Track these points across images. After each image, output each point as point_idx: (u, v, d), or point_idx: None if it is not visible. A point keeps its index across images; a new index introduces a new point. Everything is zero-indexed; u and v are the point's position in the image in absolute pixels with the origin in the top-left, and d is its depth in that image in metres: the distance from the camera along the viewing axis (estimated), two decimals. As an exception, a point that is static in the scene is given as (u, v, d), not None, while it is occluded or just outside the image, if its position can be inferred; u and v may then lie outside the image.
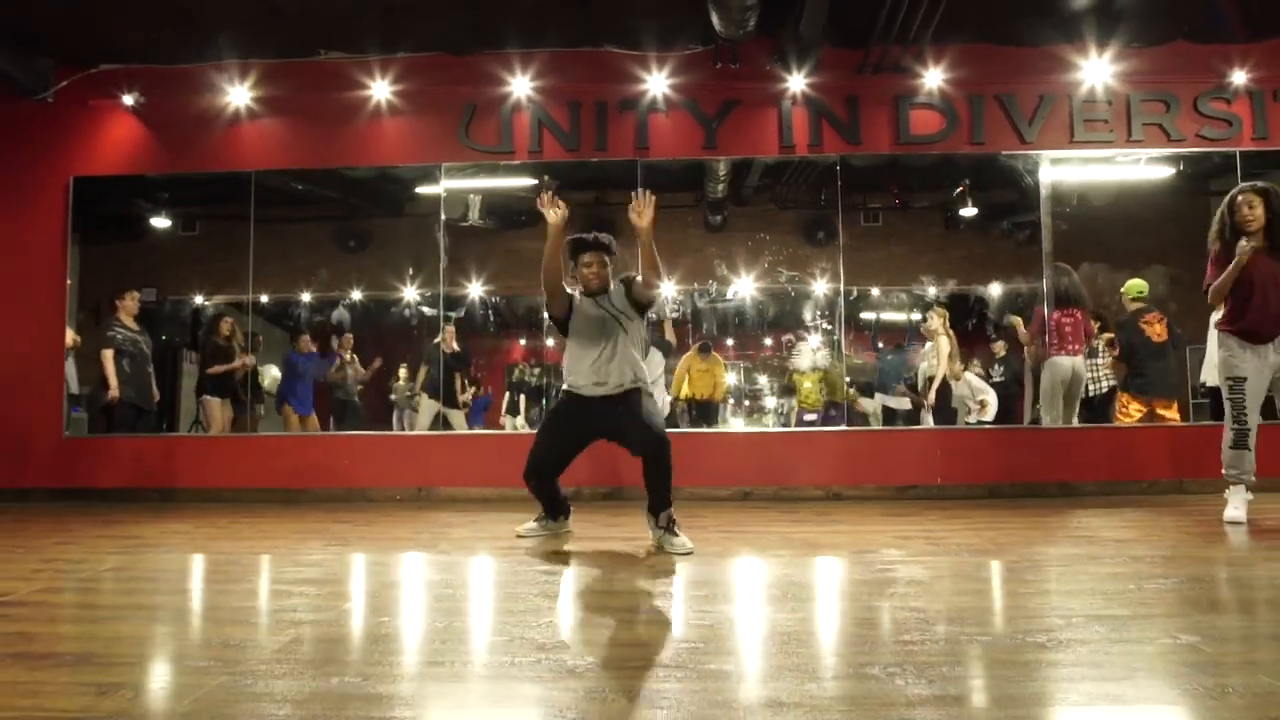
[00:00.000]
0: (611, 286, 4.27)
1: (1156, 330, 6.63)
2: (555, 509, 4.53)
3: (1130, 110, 6.29)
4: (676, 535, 4.09)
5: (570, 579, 3.32)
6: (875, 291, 9.63)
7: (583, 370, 4.21)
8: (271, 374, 9.98)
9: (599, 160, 6.51)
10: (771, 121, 6.42)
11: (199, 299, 9.20)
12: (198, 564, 3.81)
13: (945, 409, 8.46)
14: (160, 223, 8.83)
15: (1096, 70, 6.26)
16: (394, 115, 6.58)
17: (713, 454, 6.29)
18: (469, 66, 6.49)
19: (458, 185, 6.80)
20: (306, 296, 10.54)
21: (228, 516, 5.61)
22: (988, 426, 6.97)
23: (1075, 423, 6.59)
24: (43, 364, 6.61)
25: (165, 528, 5.00)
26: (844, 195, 6.49)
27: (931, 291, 9.15)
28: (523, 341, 12.92)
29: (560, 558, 3.83)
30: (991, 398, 8.27)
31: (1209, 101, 6.28)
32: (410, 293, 9.94)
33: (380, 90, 6.53)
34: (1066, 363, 6.59)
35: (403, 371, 10.86)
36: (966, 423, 8.20)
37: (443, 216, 6.74)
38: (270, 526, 5.12)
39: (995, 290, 8.58)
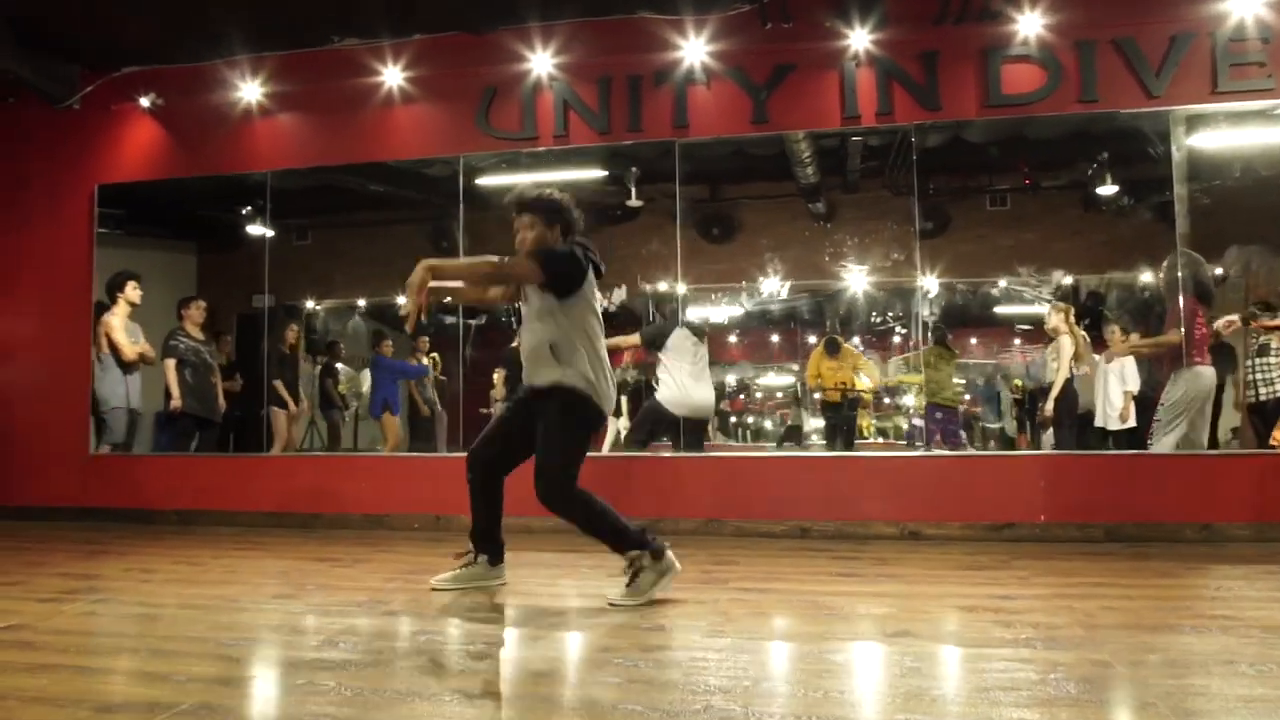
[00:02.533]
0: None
1: None
2: (489, 537, 3.84)
3: (1292, 49, 4.95)
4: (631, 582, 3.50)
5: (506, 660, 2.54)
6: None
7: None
8: (358, 377, 9.68)
9: (632, 143, 5.70)
10: (832, 88, 5.42)
11: (310, 303, 9.08)
12: (106, 622, 3.24)
13: (1065, 422, 7.23)
14: (264, 231, 8.75)
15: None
16: (408, 104, 5.98)
17: (763, 481, 5.38)
18: (487, 46, 5.80)
19: (485, 182, 6.14)
20: (402, 299, 10.29)
21: (229, 546, 5.17)
22: (1107, 453, 5.75)
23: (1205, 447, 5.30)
24: (68, 377, 6.40)
25: (138, 563, 4.55)
26: (952, 176, 5.45)
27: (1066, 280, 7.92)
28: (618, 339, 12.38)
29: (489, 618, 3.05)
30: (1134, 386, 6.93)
31: None
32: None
33: (391, 77, 5.95)
34: (1211, 373, 5.32)
35: (497, 376, 10.44)
36: (1097, 427, 6.96)
37: (462, 212, 6.08)
38: (256, 561, 4.63)
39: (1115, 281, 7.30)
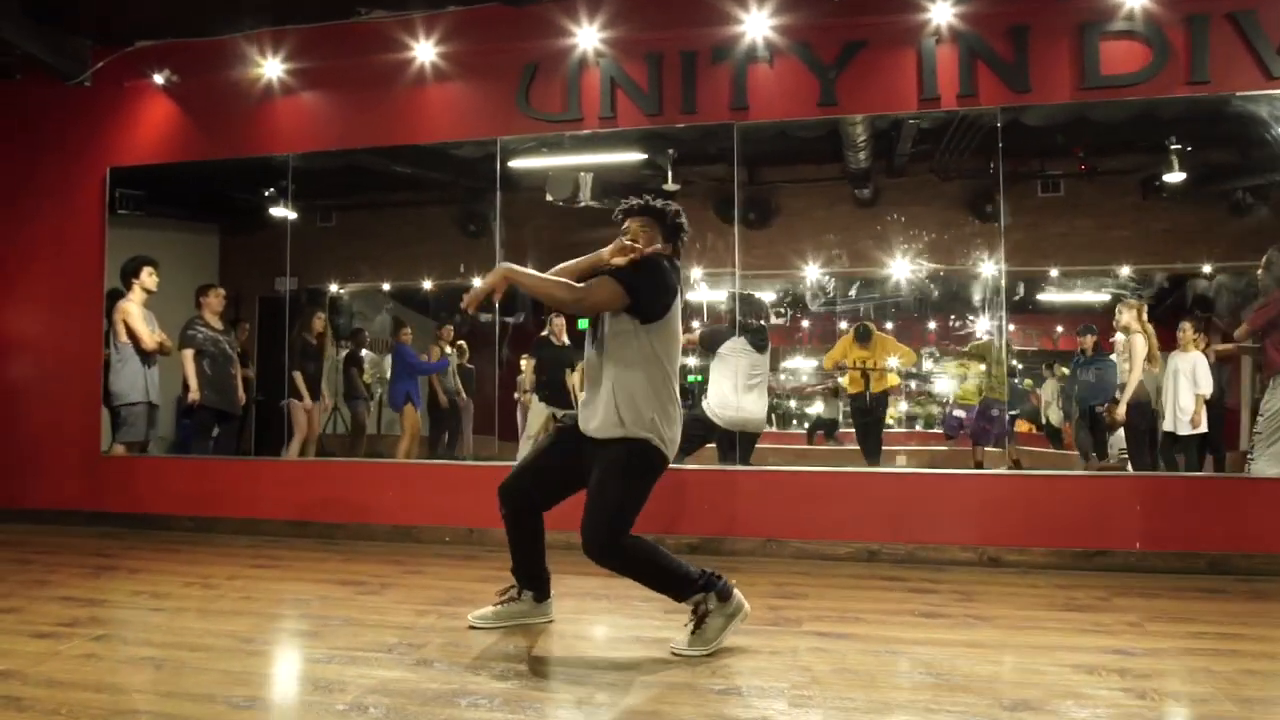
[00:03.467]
0: None
1: None
2: (532, 574, 3.43)
3: None
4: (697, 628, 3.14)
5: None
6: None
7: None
8: (382, 362, 9.34)
9: (685, 125, 5.21)
10: (909, 67, 4.90)
11: (334, 287, 8.70)
12: (105, 669, 2.83)
13: (1139, 427, 6.72)
14: (286, 213, 8.40)
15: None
16: (441, 82, 5.51)
17: (829, 498, 4.91)
18: (527, 20, 5.32)
19: (522, 165, 5.67)
20: (428, 284, 9.93)
21: (246, 560, 4.79)
22: (1211, 475, 5.25)
23: None
24: (78, 372, 6.02)
25: (149, 583, 4.15)
26: (1010, 159, 4.96)
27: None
28: None
29: (531, 671, 2.62)
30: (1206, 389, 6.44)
31: None
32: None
33: (424, 53, 5.48)
34: None
35: (524, 362, 10.05)
36: (1167, 432, 6.47)
37: (500, 199, 5.63)
38: (274, 584, 4.22)
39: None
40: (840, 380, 8.09)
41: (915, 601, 3.92)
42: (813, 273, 7.58)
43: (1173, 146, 7.38)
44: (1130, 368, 6.72)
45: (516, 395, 9.87)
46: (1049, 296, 9.38)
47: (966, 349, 8.19)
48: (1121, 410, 6.65)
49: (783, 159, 7.38)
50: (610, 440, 3.08)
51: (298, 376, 6.89)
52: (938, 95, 4.85)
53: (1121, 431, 6.84)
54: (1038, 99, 4.75)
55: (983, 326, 9.02)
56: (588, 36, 5.20)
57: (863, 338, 7.35)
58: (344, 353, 8.53)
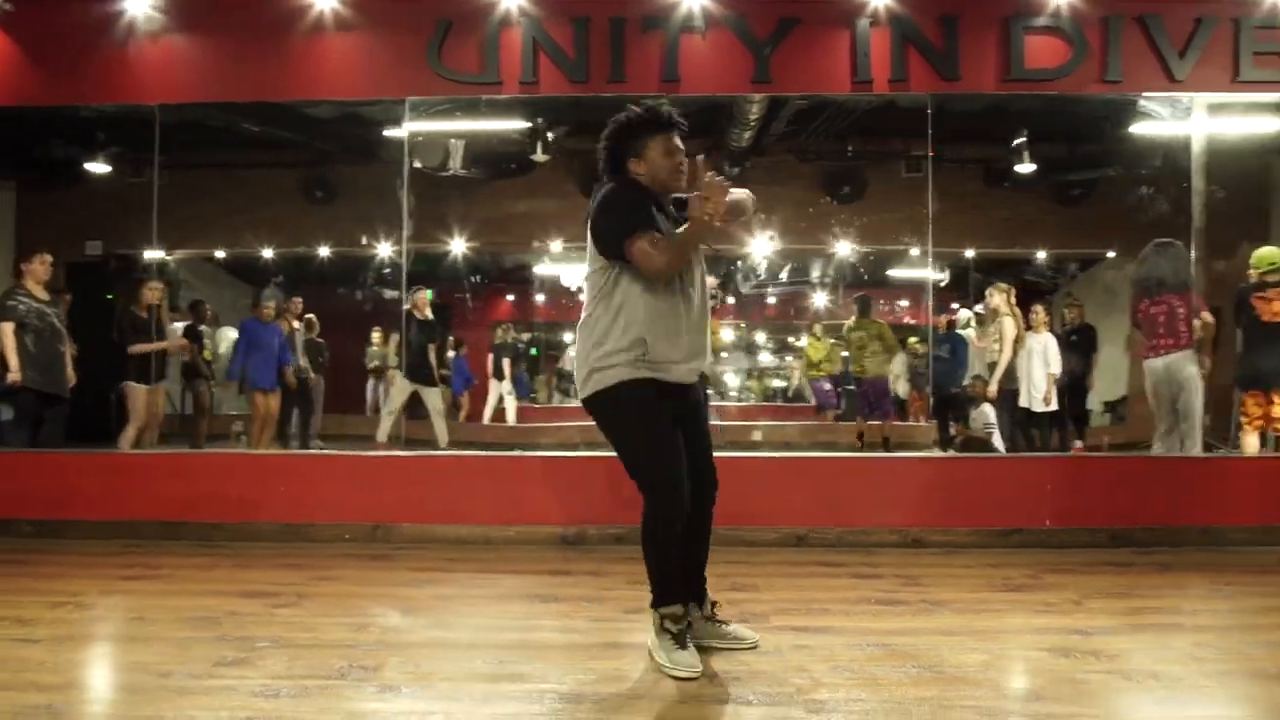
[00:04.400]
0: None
1: (1275, 308, 5.12)
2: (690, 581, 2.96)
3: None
4: (728, 624, 3.02)
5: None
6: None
7: (669, 335, 2.72)
8: (228, 337, 8.61)
9: (614, 95, 4.94)
10: (843, 48, 4.85)
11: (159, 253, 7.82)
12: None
13: (1008, 400, 7.13)
14: (100, 168, 7.29)
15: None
16: (343, 32, 4.95)
17: (757, 481, 4.83)
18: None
19: (429, 127, 5.22)
20: (269, 252, 9.13)
21: (114, 571, 4.15)
22: (1111, 455, 5.58)
23: (1197, 437, 5.21)
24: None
25: (6, 609, 3.45)
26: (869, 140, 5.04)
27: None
28: (510, 298, 11.62)
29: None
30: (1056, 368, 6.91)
31: None
32: (384, 249, 8.52)
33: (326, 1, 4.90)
34: (1158, 364, 5.21)
35: (376, 335, 9.45)
36: (1022, 408, 6.93)
37: (407, 164, 5.17)
38: (163, 599, 3.63)
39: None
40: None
41: (865, 589, 3.91)
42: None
43: (1017, 141, 7.87)
44: (1000, 348, 7.08)
45: (370, 365, 9.35)
46: (901, 272, 9.87)
47: (847, 325, 8.39)
48: (993, 388, 7.01)
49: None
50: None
51: (140, 349, 6.17)
52: (870, 78, 4.83)
53: (986, 406, 7.25)
54: (966, 87, 4.83)
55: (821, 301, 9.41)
56: (510, -8, 4.82)
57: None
58: (182, 327, 7.71)
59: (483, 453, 6.22)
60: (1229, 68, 4.79)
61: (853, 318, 8.31)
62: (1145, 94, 4.86)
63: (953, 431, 7.63)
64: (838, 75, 4.86)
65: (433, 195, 7.26)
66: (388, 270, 8.63)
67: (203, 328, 8.19)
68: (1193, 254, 5.09)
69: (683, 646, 2.74)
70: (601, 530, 4.76)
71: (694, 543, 2.91)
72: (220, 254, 9.55)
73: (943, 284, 8.87)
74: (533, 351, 11.09)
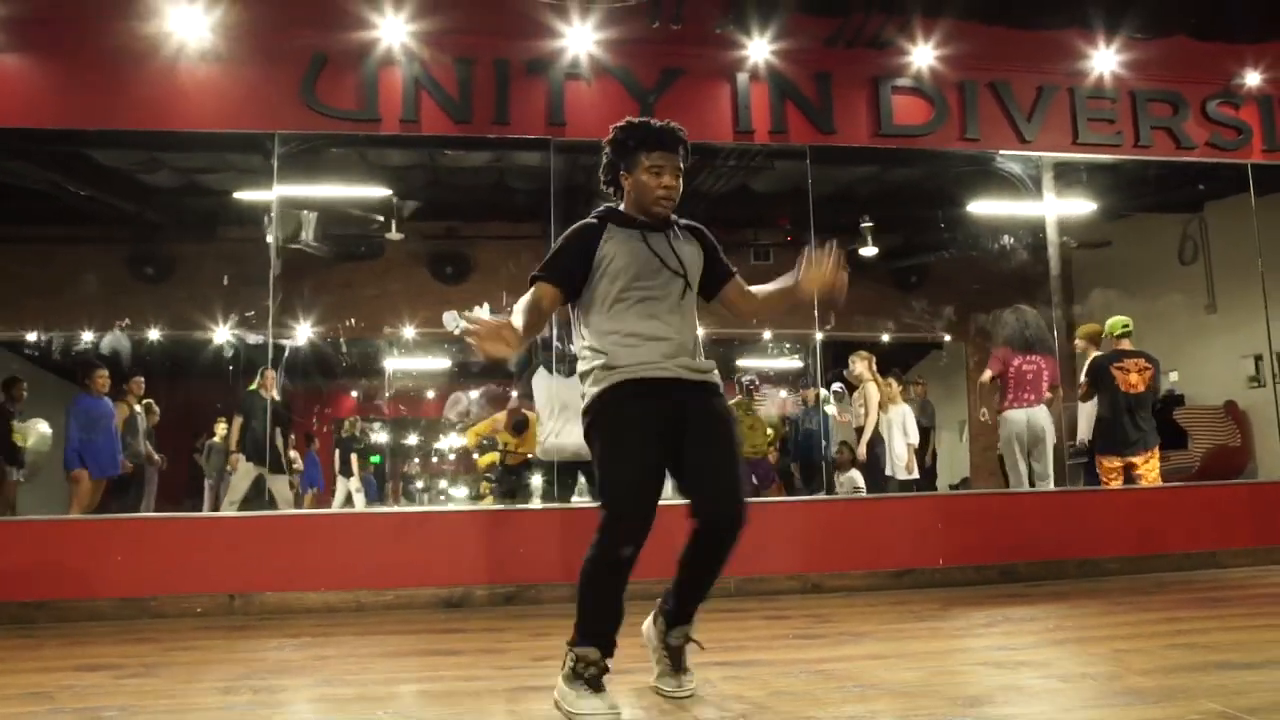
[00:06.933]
0: (679, 223, 2.62)
1: (1131, 380, 5.50)
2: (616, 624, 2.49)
3: (1137, 111, 5.31)
4: (685, 670, 2.65)
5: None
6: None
7: (638, 335, 2.45)
8: (39, 430, 7.61)
9: (498, 137, 4.85)
10: (724, 99, 4.98)
11: None
12: None
13: (874, 465, 7.31)
14: None
15: (1103, 60, 5.24)
16: (209, 64, 4.65)
17: (657, 535, 4.63)
18: (318, 3, 4.68)
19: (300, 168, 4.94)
20: (89, 335, 8.31)
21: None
22: (999, 492, 5.73)
23: (1051, 485, 5.44)
24: None
25: None
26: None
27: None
28: (354, 394, 10.91)
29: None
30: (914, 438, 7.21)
31: (1216, 105, 5.41)
32: (223, 331, 7.93)
33: (190, 27, 4.59)
34: (1021, 416, 5.46)
35: (220, 428, 8.60)
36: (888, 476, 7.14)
37: (274, 214, 4.84)
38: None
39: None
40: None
41: (779, 627, 3.78)
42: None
43: (864, 224, 8.37)
44: (866, 412, 7.29)
45: (202, 460, 8.44)
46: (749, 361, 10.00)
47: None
48: (862, 450, 7.18)
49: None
50: (714, 385, 2.62)
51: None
52: (752, 129, 4.97)
53: (854, 471, 7.39)
54: (841, 140, 5.04)
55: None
56: (391, 30, 4.68)
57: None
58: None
59: (354, 509, 5.74)
60: (1069, 130, 5.24)
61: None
62: (1001, 151, 5.23)
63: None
64: (721, 125, 4.98)
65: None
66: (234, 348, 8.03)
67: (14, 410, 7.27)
68: (1052, 298, 5.42)
69: (596, 691, 2.36)
70: (490, 590, 4.41)
71: (699, 574, 2.62)
72: (31, 338, 8.58)
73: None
74: (373, 459, 9.56)
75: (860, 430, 7.29)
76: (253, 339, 7.38)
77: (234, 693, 2.80)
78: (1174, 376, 7.44)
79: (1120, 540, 4.94)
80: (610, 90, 4.91)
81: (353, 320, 8.49)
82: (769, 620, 3.92)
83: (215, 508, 7.61)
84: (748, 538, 4.48)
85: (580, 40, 4.81)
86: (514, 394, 6.95)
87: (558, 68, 4.83)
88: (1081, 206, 6.31)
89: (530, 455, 6.35)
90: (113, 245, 8.12)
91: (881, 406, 7.29)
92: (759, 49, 4.94)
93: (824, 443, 8.12)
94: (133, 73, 4.56)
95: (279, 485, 6.44)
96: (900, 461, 7.21)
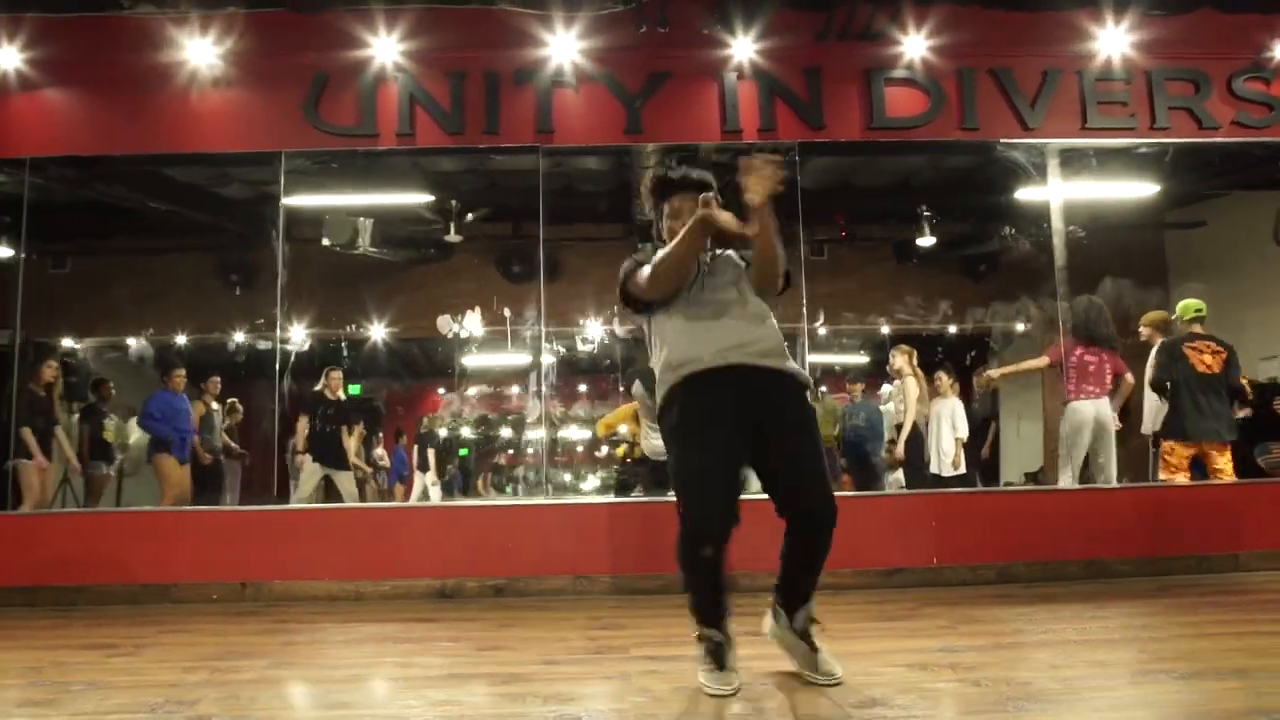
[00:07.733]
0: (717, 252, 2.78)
1: (1206, 360, 5.20)
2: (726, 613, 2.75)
3: (1153, 91, 5.06)
4: (819, 649, 2.74)
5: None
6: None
7: (701, 339, 2.61)
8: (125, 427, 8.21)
9: (488, 146, 5.03)
10: (711, 100, 5.02)
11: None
12: None
13: (917, 462, 7.15)
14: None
15: (1112, 41, 5.02)
16: (219, 88, 4.99)
17: (637, 529, 4.75)
18: (318, 27, 4.96)
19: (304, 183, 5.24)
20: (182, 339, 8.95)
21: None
22: (997, 490, 5.60)
23: (1114, 479, 5.22)
24: None
25: None
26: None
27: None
28: (441, 391, 11.36)
29: None
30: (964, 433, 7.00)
31: (1244, 82, 5.10)
32: (298, 331, 8.40)
33: (203, 55, 4.95)
34: (1089, 408, 5.25)
35: (302, 425, 9.14)
36: (933, 474, 6.93)
37: (282, 215, 5.13)
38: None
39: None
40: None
41: (739, 624, 3.81)
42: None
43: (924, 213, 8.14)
44: (905, 408, 7.14)
45: (289, 455, 8.98)
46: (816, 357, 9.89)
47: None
48: (900, 449, 7.03)
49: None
50: (791, 374, 2.73)
51: (27, 433, 5.92)
52: (740, 128, 4.99)
53: (900, 472, 7.25)
54: (832, 135, 5.00)
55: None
56: (385, 49, 4.92)
57: None
58: (76, 414, 7.44)
59: (354, 505, 6.07)
60: (1078, 116, 5.05)
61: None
62: (1003, 140, 5.07)
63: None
64: (708, 125, 5.01)
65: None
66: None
67: (105, 409, 7.91)
68: (1058, 290, 5.23)
69: (720, 668, 2.62)
70: (480, 582, 4.61)
71: (799, 572, 2.81)
72: (131, 342, 9.29)
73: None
74: (461, 452, 9.95)
75: (899, 427, 7.16)
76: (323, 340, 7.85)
77: (194, 672, 3.07)
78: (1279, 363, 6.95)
79: (1130, 539, 4.75)
80: (597, 96, 5.01)
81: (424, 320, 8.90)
82: (737, 617, 3.96)
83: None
84: (739, 533, 4.57)
85: (566, 48, 4.93)
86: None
87: (542, 77, 4.97)
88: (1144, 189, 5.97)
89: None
90: (203, 254, 8.68)
91: (921, 400, 7.13)
92: (745, 48, 4.95)
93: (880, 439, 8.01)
94: (147, 101, 4.96)
95: (345, 482, 6.85)
96: (946, 458, 7.03)
